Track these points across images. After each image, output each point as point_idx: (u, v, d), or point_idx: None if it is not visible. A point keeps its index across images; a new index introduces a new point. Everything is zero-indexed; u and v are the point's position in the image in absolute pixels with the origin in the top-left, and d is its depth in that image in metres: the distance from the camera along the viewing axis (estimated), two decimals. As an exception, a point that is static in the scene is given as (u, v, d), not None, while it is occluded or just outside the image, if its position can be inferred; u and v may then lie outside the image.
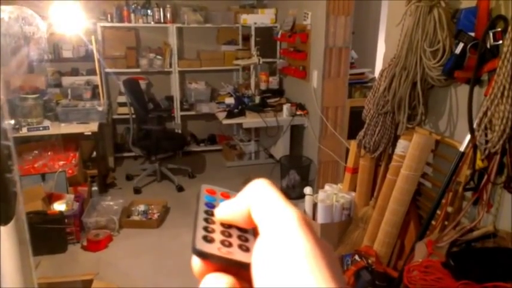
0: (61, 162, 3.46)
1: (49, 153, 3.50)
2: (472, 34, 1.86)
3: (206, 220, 0.32)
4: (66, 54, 4.21)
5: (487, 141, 1.76)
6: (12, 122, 3.26)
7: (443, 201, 1.97)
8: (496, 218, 1.76)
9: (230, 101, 4.16)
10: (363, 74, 3.22)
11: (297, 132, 3.94)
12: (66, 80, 4.22)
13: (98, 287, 2.37)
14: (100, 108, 3.72)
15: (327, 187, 2.96)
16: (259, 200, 0.29)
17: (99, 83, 4.04)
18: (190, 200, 3.76)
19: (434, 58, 2.05)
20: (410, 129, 2.26)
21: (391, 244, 2.35)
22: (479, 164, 1.80)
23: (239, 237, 0.31)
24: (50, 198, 3.09)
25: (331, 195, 2.86)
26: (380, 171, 2.53)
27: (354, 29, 3.24)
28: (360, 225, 2.67)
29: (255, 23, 4.51)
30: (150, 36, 4.63)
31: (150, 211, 3.39)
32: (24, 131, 3.37)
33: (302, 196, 3.02)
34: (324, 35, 3.17)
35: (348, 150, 2.88)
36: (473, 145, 1.82)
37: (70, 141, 3.67)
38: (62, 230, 2.91)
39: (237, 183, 4.05)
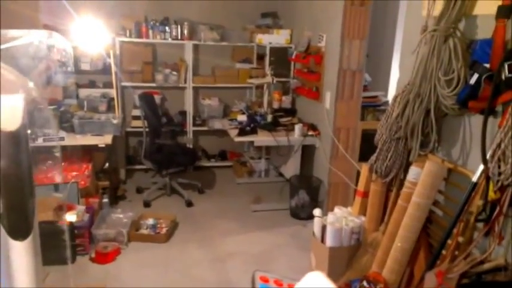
0: (74, 173, 3.50)
1: (63, 163, 3.55)
2: (487, 65, 1.87)
3: None
4: (84, 66, 4.29)
5: (500, 173, 1.76)
6: (29, 132, 3.36)
7: (455, 230, 1.96)
8: (507, 250, 1.74)
9: (242, 118, 4.19)
10: (376, 97, 3.24)
11: (308, 152, 3.95)
12: (83, 92, 4.30)
13: None
14: (115, 121, 3.77)
15: (336, 210, 2.95)
16: None
17: (115, 96, 4.12)
18: (200, 215, 3.78)
19: (448, 87, 2.06)
20: (423, 156, 2.26)
21: (400, 271, 2.33)
22: (491, 195, 1.79)
23: None
24: (62, 209, 3.09)
25: (340, 218, 2.85)
26: (391, 197, 2.52)
27: (368, 52, 3.28)
28: (369, 250, 2.65)
29: (270, 43, 4.58)
30: (167, 52, 4.72)
31: (158, 225, 3.39)
32: (39, 141, 3.43)
33: (311, 217, 3.01)
34: (338, 58, 3.21)
35: (358, 173, 2.88)
36: (486, 176, 1.81)
37: (84, 152, 3.72)
38: (71, 241, 2.91)
39: (246, 200, 4.10)
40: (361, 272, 2.66)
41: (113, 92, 4.16)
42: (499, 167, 1.76)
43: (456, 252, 1.96)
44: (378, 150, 2.58)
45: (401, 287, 2.36)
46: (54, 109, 3.58)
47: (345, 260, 2.77)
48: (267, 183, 4.63)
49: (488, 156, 1.80)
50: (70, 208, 3.15)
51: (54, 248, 2.76)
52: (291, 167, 3.99)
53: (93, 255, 3.01)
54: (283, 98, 4.38)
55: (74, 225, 2.98)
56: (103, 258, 2.98)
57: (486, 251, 1.80)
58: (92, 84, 4.48)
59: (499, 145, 1.76)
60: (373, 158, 2.63)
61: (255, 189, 4.40)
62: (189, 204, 3.94)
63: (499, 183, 1.75)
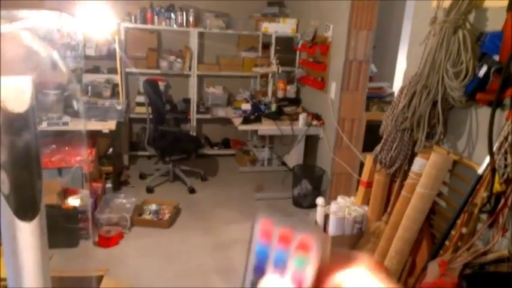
0: (78, 158, 3.47)
1: (67, 148, 3.53)
2: (497, 58, 1.86)
3: None
4: (89, 52, 4.26)
5: (506, 166, 1.76)
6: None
7: (458, 222, 1.97)
8: (511, 242, 1.75)
9: (247, 107, 4.18)
10: (381, 88, 3.23)
11: (311, 142, 3.96)
12: (87, 78, 4.28)
13: (108, 283, 2.38)
14: (119, 107, 3.76)
15: (339, 199, 2.97)
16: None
17: (119, 82, 4.09)
18: (202, 202, 3.79)
19: (456, 78, 2.05)
20: (428, 148, 2.26)
21: (402, 261, 2.35)
22: (497, 187, 1.79)
23: None
24: (65, 193, 3.13)
25: (343, 208, 2.87)
26: (395, 187, 2.53)
27: (374, 43, 3.26)
28: (371, 240, 2.67)
29: (276, 32, 4.55)
30: (172, 39, 4.69)
31: (161, 211, 3.41)
32: (44, 125, 3.42)
33: (313, 206, 3.03)
34: (344, 48, 3.19)
35: (362, 163, 2.89)
36: (492, 168, 1.82)
37: (88, 137, 3.68)
38: (75, 224, 2.93)
39: (249, 189, 4.09)
40: (363, 261, 2.69)
41: (117, 78, 4.13)
42: (506, 159, 1.77)
43: (459, 243, 1.98)
44: (382, 141, 2.58)
45: (403, 276, 2.38)
46: (58, 93, 3.55)
47: (347, 249, 2.79)
48: (270, 172, 4.64)
49: (494, 148, 1.80)
50: (74, 192, 3.16)
51: (58, 231, 2.80)
52: (294, 156, 3.99)
53: (96, 239, 3.03)
54: (288, 87, 4.37)
55: (77, 210, 2.98)
56: (106, 242, 3.00)
57: (489, 242, 1.82)
58: (96, 70, 4.46)
59: (506, 138, 1.77)
60: (377, 148, 2.63)
61: (257, 178, 4.41)
62: (192, 191, 3.95)
63: (505, 176, 1.76)
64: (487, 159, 1.84)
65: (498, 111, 1.83)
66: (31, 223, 0.97)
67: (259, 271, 0.28)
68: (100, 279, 2.37)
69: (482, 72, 1.90)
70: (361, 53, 3.14)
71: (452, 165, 2.11)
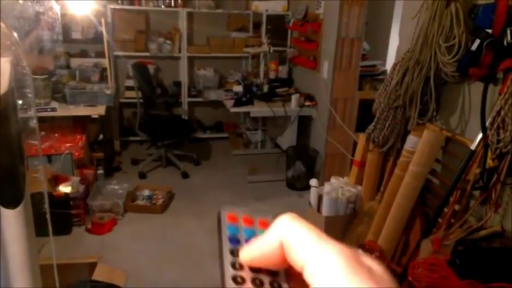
0: (68, 145, 3.44)
1: (56, 134, 3.49)
2: (490, 31, 1.83)
3: (233, 266, 0.29)
4: (75, 35, 4.15)
5: (498, 141, 1.75)
6: (21, 102, 3.30)
7: (451, 199, 1.97)
8: (503, 218, 1.76)
9: (238, 89, 4.12)
10: (374, 66, 3.19)
11: (304, 123, 3.93)
12: (75, 62, 4.18)
13: (102, 270, 2.38)
14: (108, 92, 3.68)
15: (333, 180, 2.97)
16: (295, 240, 0.27)
17: (108, 66, 3.99)
18: (195, 186, 3.78)
19: (449, 54, 2.03)
20: (421, 125, 2.25)
21: (395, 240, 2.36)
22: (489, 163, 1.79)
23: (271, 283, 0.28)
24: (56, 180, 3.10)
25: (337, 188, 2.87)
26: (388, 166, 2.53)
27: (367, 19, 3.20)
28: (365, 220, 2.68)
29: (267, 10, 4.46)
30: (160, 20, 4.57)
31: (154, 196, 3.39)
32: (31, 112, 3.36)
33: (307, 187, 3.03)
34: (336, 25, 3.14)
35: (355, 143, 2.88)
36: (485, 144, 1.81)
37: (77, 123, 3.67)
38: (67, 212, 2.92)
39: (242, 172, 4.06)
40: (356, 240, 2.70)
41: (105, 62, 4.02)
42: (498, 134, 1.76)
43: (452, 220, 1.98)
44: (375, 120, 2.56)
45: (396, 254, 2.40)
46: (45, 79, 3.46)
47: (340, 229, 2.80)
48: (263, 154, 4.61)
49: (487, 124, 1.79)
50: (64, 179, 3.13)
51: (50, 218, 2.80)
52: (287, 138, 3.97)
53: (89, 226, 3.01)
54: (280, 68, 4.31)
55: (69, 196, 2.96)
56: (99, 229, 2.99)
57: (482, 218, 1.82)
58: (83, 54, 4.35)
59: (498, 112, 1.75)
60: (370, 127, 2.62)
61: (251, 161, 4.38)
62: (185, 175, 3.93)
63: (498, 151, 1.75)
64: (480, 135, 1.83)
65: (491, 86, 1.81)
66: (15, 210, 0.99)
67: (234, 242, 0.31)
68: (94, 266, 2.37)
69: (474, 46, 1.87)
70: (353, 30, 3.09)
71: (445, 142, 2.10)
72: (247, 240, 0.30)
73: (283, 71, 4.33)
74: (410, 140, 2.28)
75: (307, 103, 3.71)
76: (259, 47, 4.38)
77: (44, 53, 3.67)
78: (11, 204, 1.00)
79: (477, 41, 1.86)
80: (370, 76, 3.15)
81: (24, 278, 1.03)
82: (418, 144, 2.20)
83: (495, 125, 1.76)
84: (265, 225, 0.31)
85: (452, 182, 1.95)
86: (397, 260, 2.44)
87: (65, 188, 3.06)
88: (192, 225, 3.18)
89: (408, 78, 2.29)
